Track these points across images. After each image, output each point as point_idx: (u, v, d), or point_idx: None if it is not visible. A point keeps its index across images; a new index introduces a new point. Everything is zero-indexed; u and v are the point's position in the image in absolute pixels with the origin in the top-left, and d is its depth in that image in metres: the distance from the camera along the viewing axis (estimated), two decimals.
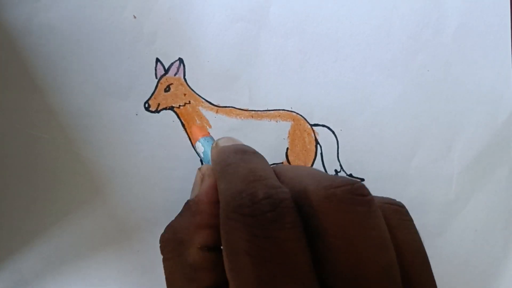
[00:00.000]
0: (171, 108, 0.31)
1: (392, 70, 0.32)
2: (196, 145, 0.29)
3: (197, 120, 0.31)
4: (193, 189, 0.21)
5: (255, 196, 0.15)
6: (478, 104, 0.33)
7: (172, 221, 0.20)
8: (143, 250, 0.31)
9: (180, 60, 0.31)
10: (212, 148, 0.22)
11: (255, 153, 0.20)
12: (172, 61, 0.31)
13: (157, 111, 0.31)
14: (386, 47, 0.32)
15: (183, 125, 0.31)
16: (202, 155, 0.28)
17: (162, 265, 0.31)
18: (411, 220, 0.18)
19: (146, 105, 0.31)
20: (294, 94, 0.32)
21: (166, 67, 0.31)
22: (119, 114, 0.31)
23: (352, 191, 0.16)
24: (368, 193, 0.16)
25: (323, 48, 0.32)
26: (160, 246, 0.19)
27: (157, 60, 0.31)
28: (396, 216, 0.17)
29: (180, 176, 0.31)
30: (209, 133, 0.30)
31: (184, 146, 0.31)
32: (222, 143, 0.22)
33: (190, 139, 0.31)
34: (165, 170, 0.31)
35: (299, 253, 0.14)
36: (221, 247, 0.18)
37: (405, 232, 0.17)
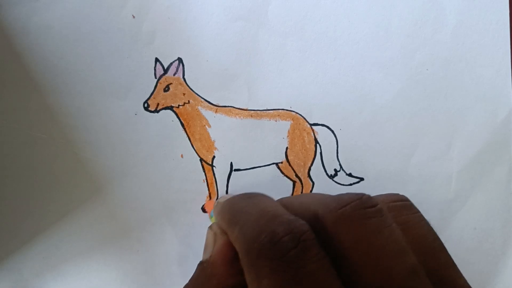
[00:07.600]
0: (171, 108, 0.31)
1: (391, 69, 0.32)
2: (211, 213, 0.30)
3: (197, 120, 0.31)
4: (205, 248, 0.20)
5: (275, 235, 0.15)
6: (477, 102, 0.33)
7: (187, 285, 0.19)
8: (143, 250, 0.31)
9: (179, 60, 0.31)
10: (215, 206, 0.22)
11: (260, 194, 0.19)
12: (171, 61, 0.31)
13: (156, 111, 0.31)
14: (385, 46, 0.32)
15: (182, 124, 0.31)
16: None
17: (162, 265, 0.31)
18: (418, 211, 0.18)
19: (146, 105, 0.31)
20: (293, 93, 0.32)
21: (165, 67, 0.31)
22: (118, 114, 0.31)
23: (360, 206, 0.16)
24: (376, 203, 0.16)
25: (322, 47, 0.32)
26: None
27: (156, 60, 0.31)
28: (404, 213, 0.18)
29: (180, 176, 0.31)
30: None
31: (184, 146, 0.31)
32: (224, 199, 0.22)
33: (191, 142, 0.31)
34: (164, 170, 0.31)
35: (330, 280, 0.14)
36: None
37: (417, 226, 0.17)
